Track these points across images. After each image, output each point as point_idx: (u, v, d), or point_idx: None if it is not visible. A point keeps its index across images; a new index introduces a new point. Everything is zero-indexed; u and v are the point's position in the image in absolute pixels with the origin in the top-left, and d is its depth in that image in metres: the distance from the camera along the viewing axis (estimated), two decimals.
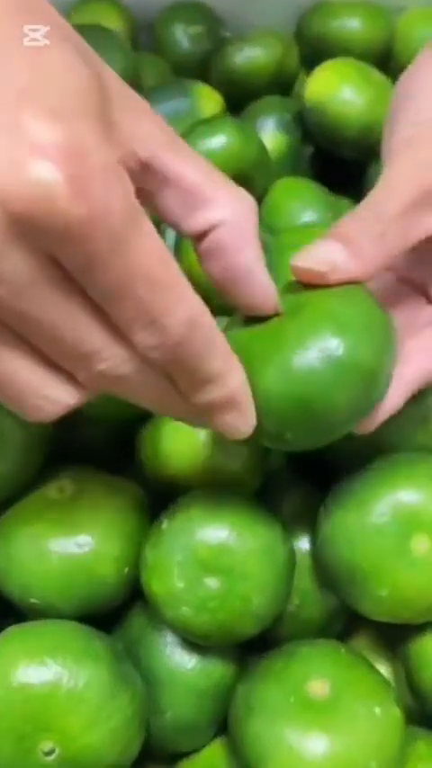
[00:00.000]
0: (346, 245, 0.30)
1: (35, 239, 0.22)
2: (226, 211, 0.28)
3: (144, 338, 0.24)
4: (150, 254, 0.23)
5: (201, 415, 0.28)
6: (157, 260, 0.24)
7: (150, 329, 0.24)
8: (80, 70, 0.23)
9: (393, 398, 0.32)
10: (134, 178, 0.27)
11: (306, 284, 0.31)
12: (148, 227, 0.24)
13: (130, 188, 0.23)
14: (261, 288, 0.29)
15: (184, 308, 0.24)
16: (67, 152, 0.21)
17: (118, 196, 0.22)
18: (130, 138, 0.27)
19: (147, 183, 0.29)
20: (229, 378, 0.27)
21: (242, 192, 0.29)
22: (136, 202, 0.23)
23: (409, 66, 0.35)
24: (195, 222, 0.29)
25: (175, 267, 0.24)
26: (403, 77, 0.35)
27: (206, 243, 0.29)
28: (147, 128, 0.28)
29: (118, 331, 0.25)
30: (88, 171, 0.21)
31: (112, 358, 0.25)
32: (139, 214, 0.23)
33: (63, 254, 0.22)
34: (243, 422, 0.29)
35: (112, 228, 0.22)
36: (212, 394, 0.27)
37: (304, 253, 0.30)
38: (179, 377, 0.27)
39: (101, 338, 0.25)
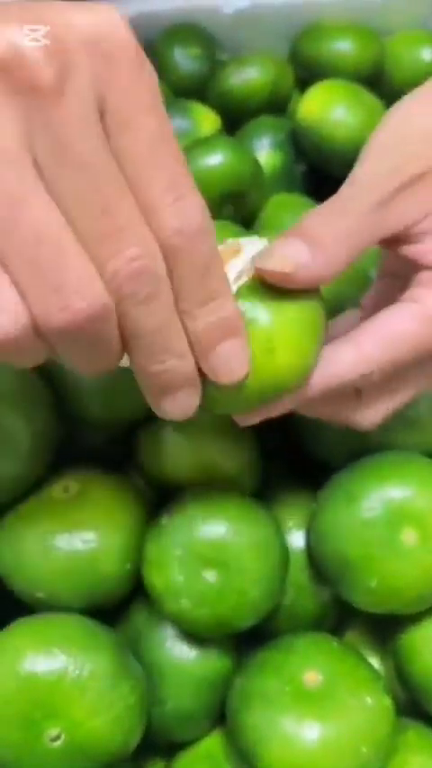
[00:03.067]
0: (309, 242, 0.30)
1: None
2: None
3: (169, 218, 0.25)
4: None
5: (201, 348, 0.28)
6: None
7: (175, 208, 0.25)
8: None
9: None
10: None
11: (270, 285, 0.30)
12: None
13: None
14: None
15: (198, 195, 0.25)
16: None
17: None
18: None
19: None
20: (227, 300, 0.28)
21: None
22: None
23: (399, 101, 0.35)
24: None
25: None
26: (394, 106, 0.35)
27: None
28: None
29: (144, 212, 0.25)
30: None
31: (139, 242, 0.25)
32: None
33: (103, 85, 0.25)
34: (240, 355, 0.28)
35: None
36: (214, 314, 0.27)
37: (268, 253, 0.29)
38: (186, 285, 0.26)
39: (130, 213, 0.24)
